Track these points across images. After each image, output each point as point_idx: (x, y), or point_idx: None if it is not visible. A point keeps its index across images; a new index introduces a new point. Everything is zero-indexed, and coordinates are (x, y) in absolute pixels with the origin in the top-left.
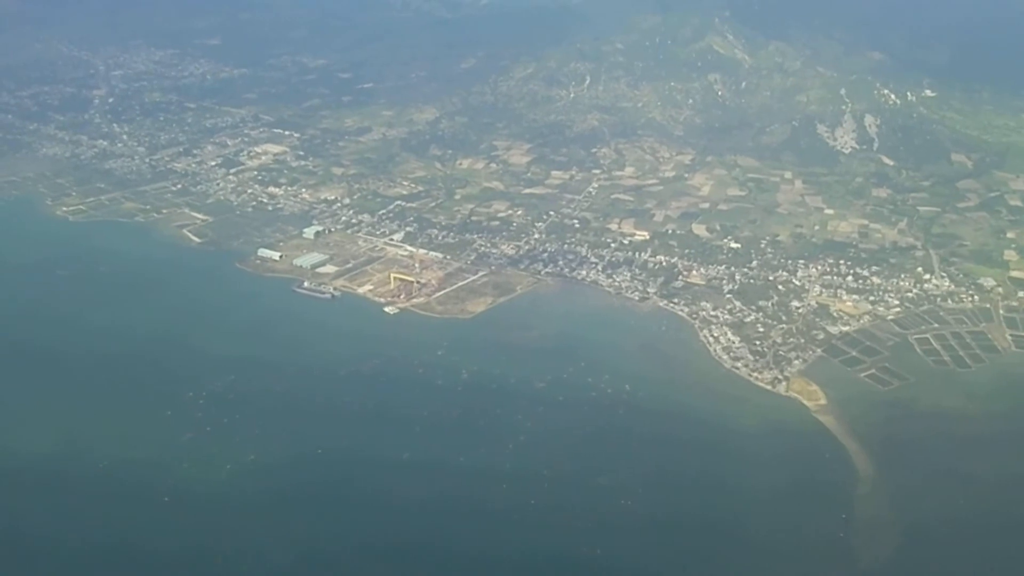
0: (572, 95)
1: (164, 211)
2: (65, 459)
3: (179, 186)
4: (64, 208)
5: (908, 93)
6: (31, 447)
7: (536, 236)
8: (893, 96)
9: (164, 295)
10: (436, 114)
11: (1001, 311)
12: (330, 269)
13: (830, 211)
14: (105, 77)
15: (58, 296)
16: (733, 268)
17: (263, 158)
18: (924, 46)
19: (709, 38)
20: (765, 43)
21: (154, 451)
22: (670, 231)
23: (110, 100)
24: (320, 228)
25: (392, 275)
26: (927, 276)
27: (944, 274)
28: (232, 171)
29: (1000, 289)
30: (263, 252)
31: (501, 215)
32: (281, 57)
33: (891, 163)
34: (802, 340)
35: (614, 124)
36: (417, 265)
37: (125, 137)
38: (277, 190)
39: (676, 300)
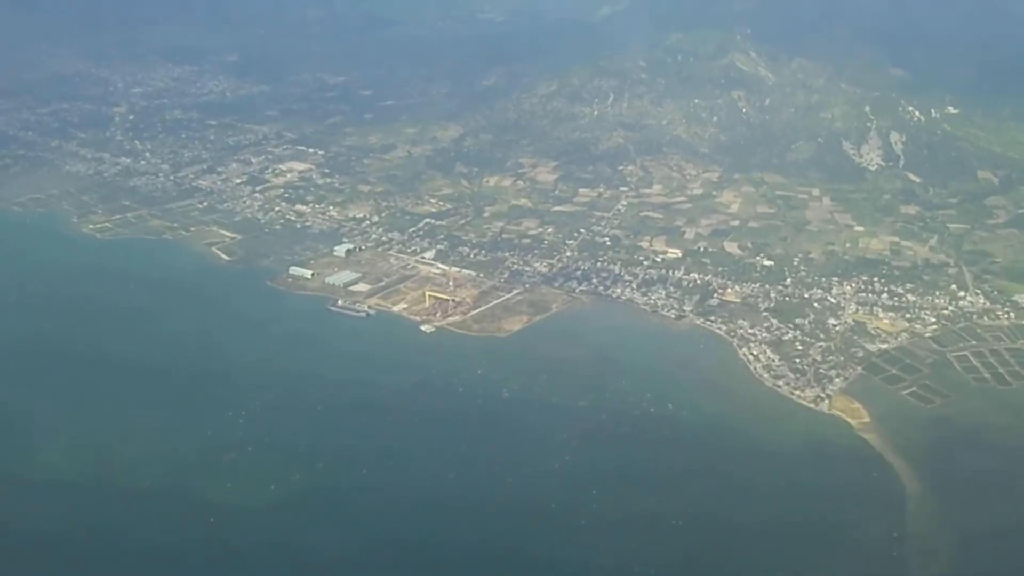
0: (596, 112)
1: (192, 229)
2: (107, 478)
3: (205, 204)
4: (91, 225)
5: (932, 110)
6: (72, 466)
7: (568, 254)
8: (917, 113)
9: (197, 313)
10: (460, 131)
11: None
12: (363, 287)
13: (860, 228)
14: (124, 94)
15: (90, 314)
16: (767, 286)
17: (288, 175)
18: (944, 62)
19: (731, 55)
20: (787, 60)
21: (197, 470)
22: (702, 249)
23: (131, 117)
24: (351, 246)
25: (427, 293)
26: (961, 293)
27: (978, 291)
28: (258, 189)
29: None
30: (294, 270)
31: (532, 233)
32: (300, 74)
33: (917, 180)
34: (841, 358)
35: (639, 141)
36: (451, 283)
37: (148, 154)
38: (304, 208)
39: (713, 318)
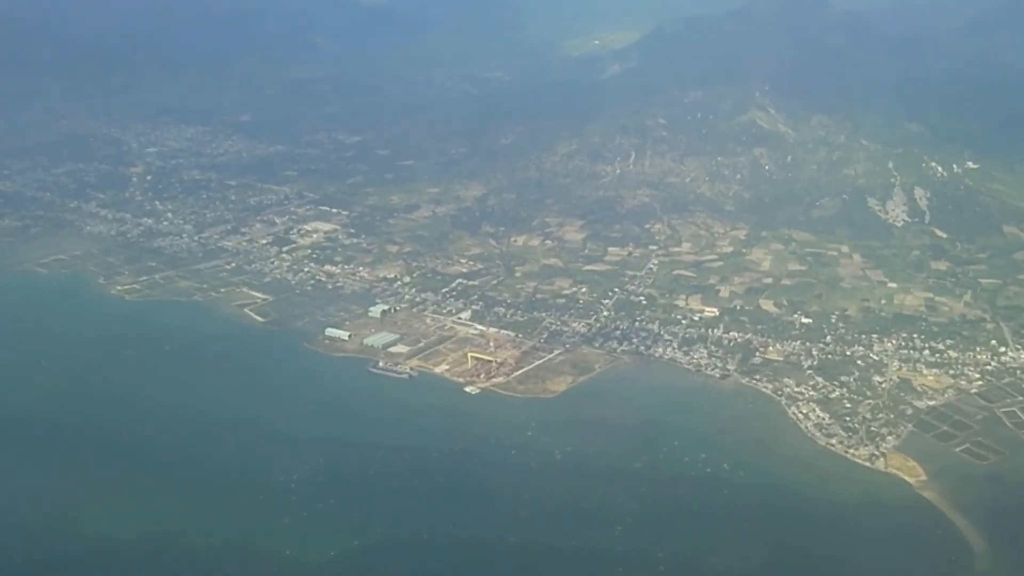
0: (618, 170)
1: (222, 290)
2: (160, 545)
3: (233, 265)
4: (119, 287)
5: (954, 165)
6: (121, 533)
7: (605, 313)
8: (940, 168)
9: (237, 375)
10: (483, 190)
11: None
12: (402, 349)
13: (893, 284)
14: (139, 154)
15: (127, 377)
16: (808, 343)
17: (314, 236)
18: (956, 117)
19: (751, 112)
20: (807, 116)
21: (253, 536)
22: (738, 307)
23: (148, 177)
24: (385, 307)
25: (468, 354)
26: (1002, 349)
27: (1019, 346)
28: (285, 249)
29: None
30: (331, 331)
31: (566, 292)
32: (315, 134)
33: (944, 235)
34: (891, 415)
35: (664, 200)
36: (491, 344)
37: (170, 215)
38: (334, 268)
39: (758, 377)
